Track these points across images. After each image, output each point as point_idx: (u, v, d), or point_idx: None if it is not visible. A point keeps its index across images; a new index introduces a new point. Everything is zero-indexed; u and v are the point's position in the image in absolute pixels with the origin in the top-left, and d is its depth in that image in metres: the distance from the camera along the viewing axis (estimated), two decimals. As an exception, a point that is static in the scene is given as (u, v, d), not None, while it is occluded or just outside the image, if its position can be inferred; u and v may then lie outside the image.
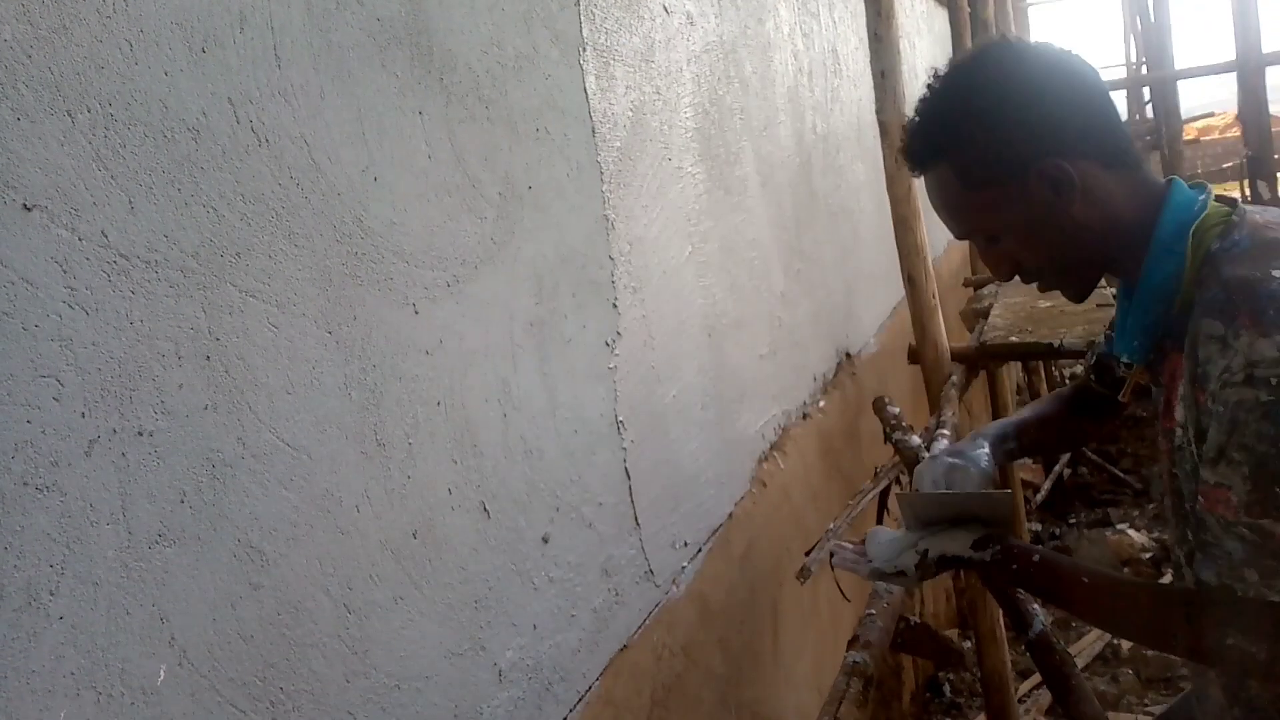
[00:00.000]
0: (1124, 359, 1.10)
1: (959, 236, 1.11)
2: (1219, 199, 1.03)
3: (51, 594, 0.68)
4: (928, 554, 1.22)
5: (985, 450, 1.33)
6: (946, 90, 1.05)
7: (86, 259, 0.72)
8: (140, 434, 0.75)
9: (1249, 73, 3.77)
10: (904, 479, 2.29)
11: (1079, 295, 1.10)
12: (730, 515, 2.04)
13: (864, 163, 3.42)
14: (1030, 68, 1.02)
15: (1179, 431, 0.99)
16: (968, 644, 3.18)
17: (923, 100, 1.06)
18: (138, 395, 0.75)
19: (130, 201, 0.75)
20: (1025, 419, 1.47)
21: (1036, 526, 4.83)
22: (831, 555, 1.38)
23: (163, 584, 0.76)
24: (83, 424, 0.71)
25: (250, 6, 0.88)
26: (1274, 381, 0.86)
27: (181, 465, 0.79)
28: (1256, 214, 1.00)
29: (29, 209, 0.68)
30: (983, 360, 3.09)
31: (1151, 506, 4.77)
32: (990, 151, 1.00)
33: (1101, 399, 1.38)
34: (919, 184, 2.95)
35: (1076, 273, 1.07)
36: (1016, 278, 1.09)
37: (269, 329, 0.88)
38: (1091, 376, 1.39)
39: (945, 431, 2.47)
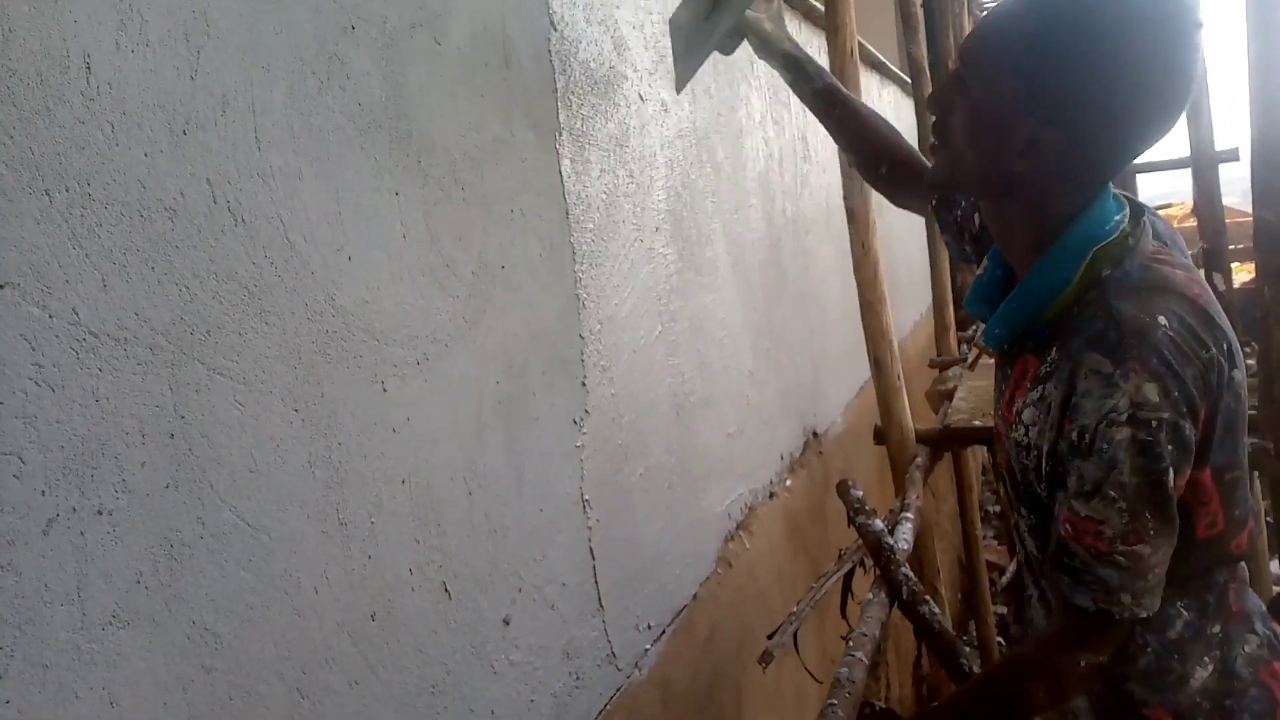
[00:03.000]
0: (985, 341, 1.10)
1: (959, 58, 1.04)
2: (1128, 199, 1.06)
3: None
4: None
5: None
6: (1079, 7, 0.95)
7: (56, 336, 0.72)
8: (100, 513, 0.75)
9: (1202, 169, 3.92)
10: (867, 562, 2.29)
11: (937, 180, 1.10)
12: (695, 596, 2.02)
13: (832, 245, 3.50)
14: (1170, 91, 0.95)
15: (1021, 430, 1.03)
16: (933, 729, 3.14)
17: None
18: (99, 473, 0.75)
19: (103, 279, 0.76)
20: (848, 94, 1.53)
21: (1002, 609, 4.82)
22: None
23: (114, 666, 0.75)
24: (42, 502, 0.70)
25: (233, 90, 0.90)
26: (1154, 424, 0.91)
27: (140, 545, 0.78)
28: (1150, 237, 1.03)
29: (1, 286, 0.68)
30: (947, 443, 3.13)
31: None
32: (1053, 81, 0.94)
33: (913, 186, 1.40)
34: (884, 268, 3.02)
35: (958, 169, 1.05)
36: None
37: (235, 406, 0.88)
38: (933, 202, 1.34)
39: (909, 515, 2.49)
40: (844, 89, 1.52)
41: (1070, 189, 1.01)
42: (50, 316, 0.71)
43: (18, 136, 0.70)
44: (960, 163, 1.04)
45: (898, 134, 1.50)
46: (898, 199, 1.50)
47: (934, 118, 1.07)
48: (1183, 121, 1.70)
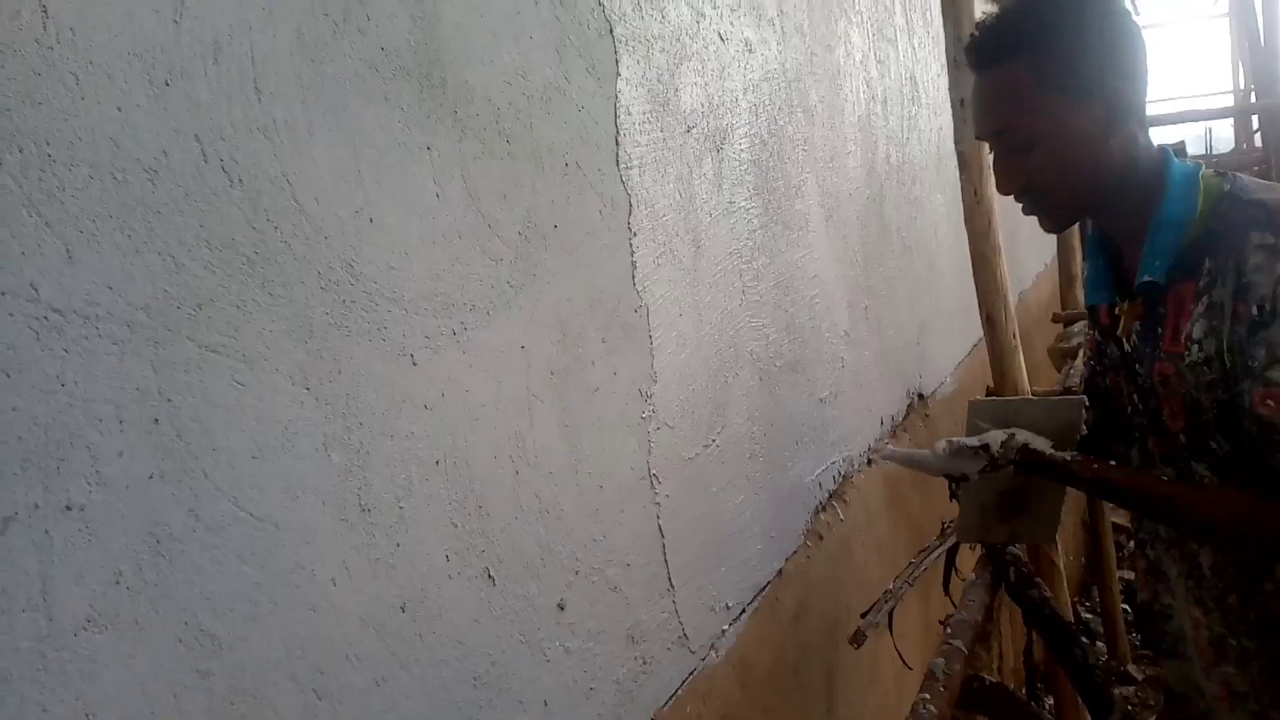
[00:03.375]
0: (1145, 278, 1.12)
1: (988, 134, 1.15)
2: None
3: (-53, 692, 0.61)
4: (1014, 437, 1.29)
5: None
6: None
7: (9, 315, 0.65)
8: (69, 508, 0.68)
9: None
10: (972, 539, 2.12)
11: (1060, 227, 1.18)
12: (780, 572, 1.90)
13: (943, 193, 3.26)
14: (1122, 10, 1.11)
15: (1195, 348, 1.07)
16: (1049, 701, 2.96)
17: (1013, 3, 1.12)
18: (67, 466, 0.68)
19: (67, 250, 0.68)
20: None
21: (1129, 575, 4.54)
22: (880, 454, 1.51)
23: (89, 675, 0.69)
24: (-3, 499, 0.64)
25: (226, 36, 0.81)
26: None
27: (118, 542, 0.71)
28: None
29: (-61, 262, 0.61)
30: (1067, 407, 2.89)
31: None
32: (1077, 60, 1.07)
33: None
34: (999, 216, 2.79)
35: (1074, 206, 1.15)
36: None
37: (233, 387, 0.80)
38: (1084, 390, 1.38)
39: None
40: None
41: (1141, 132, 1.12)
42: (2, 294, 0.64)
43: (-42, 92, 0.62)
44: (1073, 198, 1.13)
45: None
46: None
47: (1013, 196, 1.15)
48: None
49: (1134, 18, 1.12)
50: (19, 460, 0.65)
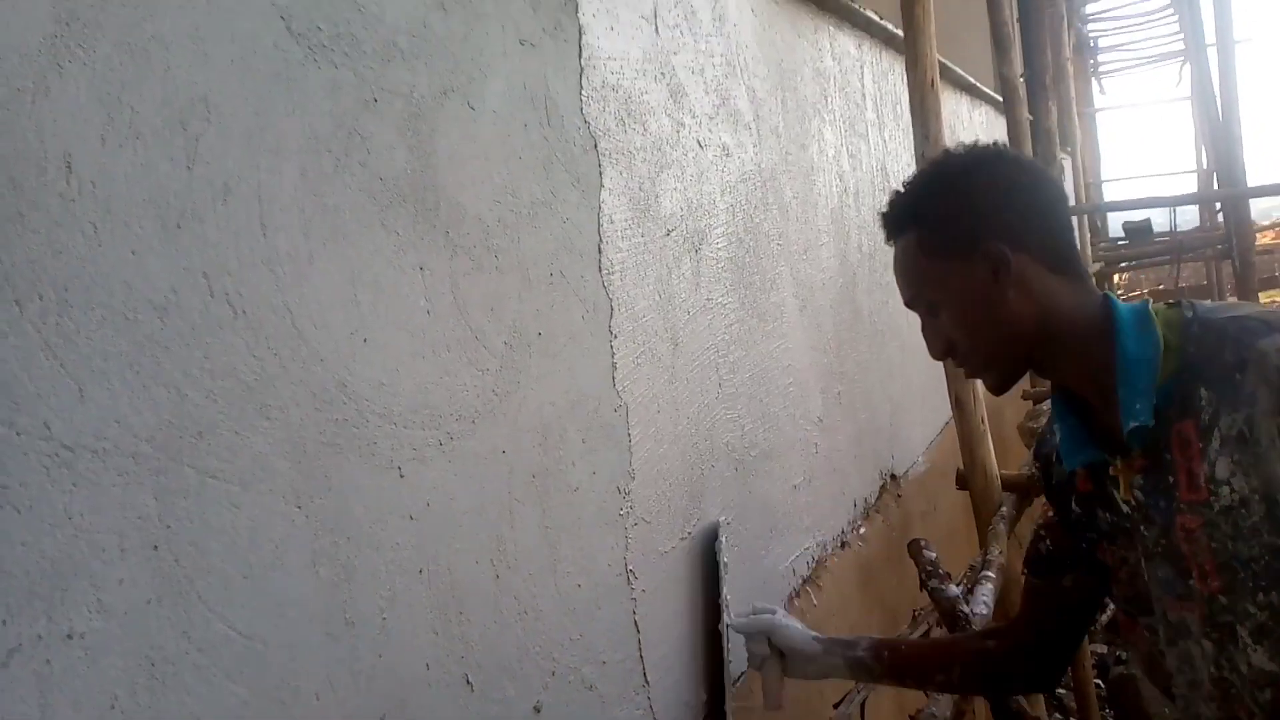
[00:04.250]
0: (1132, 423, 1.03)
1: (906, 303, 1.18)
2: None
3: (-54, 825, 0.63)
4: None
5: (809, 634, 1.47)
6: (928, 170, 1.18)
7: (24, 454, 0.68)
8: (69, 637, 0.71)
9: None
10: (941, 628, 2.15)
11: (999, 386, 1.15)
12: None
13: (914, 278, 3.35)
14: (1004, 166, 1.12)
15: (1223, 491, 0.97)
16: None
17: (910, 180, 1.17)
18: (70, 595, 0.71)
19: (80, 389, 0.72)
20: (901, 637, 1.55)
21: (1101, 649, 4.57)
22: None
23: (81, 801, 0.71)
24: (3, 633, 0.67)
25: (236, 177, 0.86)
26: None
27: (116, 667, 0.74)
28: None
29: (-39, 408, 0.65)
30: (1035, 490, 2.95)
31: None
32: (948, 223, 1.10)
33: (1046, 624, 1.29)
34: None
35: (1001, 362, 1.13)
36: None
37: (229, 510, 0.83)
38: (1026, 570, 1.31)
39: (990, 574, 2.34)
40: (867, 641, 1.46)
41: (1055, 280, 1.08)
42: (17, 434, 0.68)
43: (-13, 247, 0.67)
44: (993, 355, 1.11)
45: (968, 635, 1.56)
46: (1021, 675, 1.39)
47: (944, 360, 1.17)
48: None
49: (1032, 174, 1.13)
50: (25, 592, 0.68)
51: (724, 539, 1.73)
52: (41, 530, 0.69)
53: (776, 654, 1.46)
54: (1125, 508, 1.08)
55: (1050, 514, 1.25)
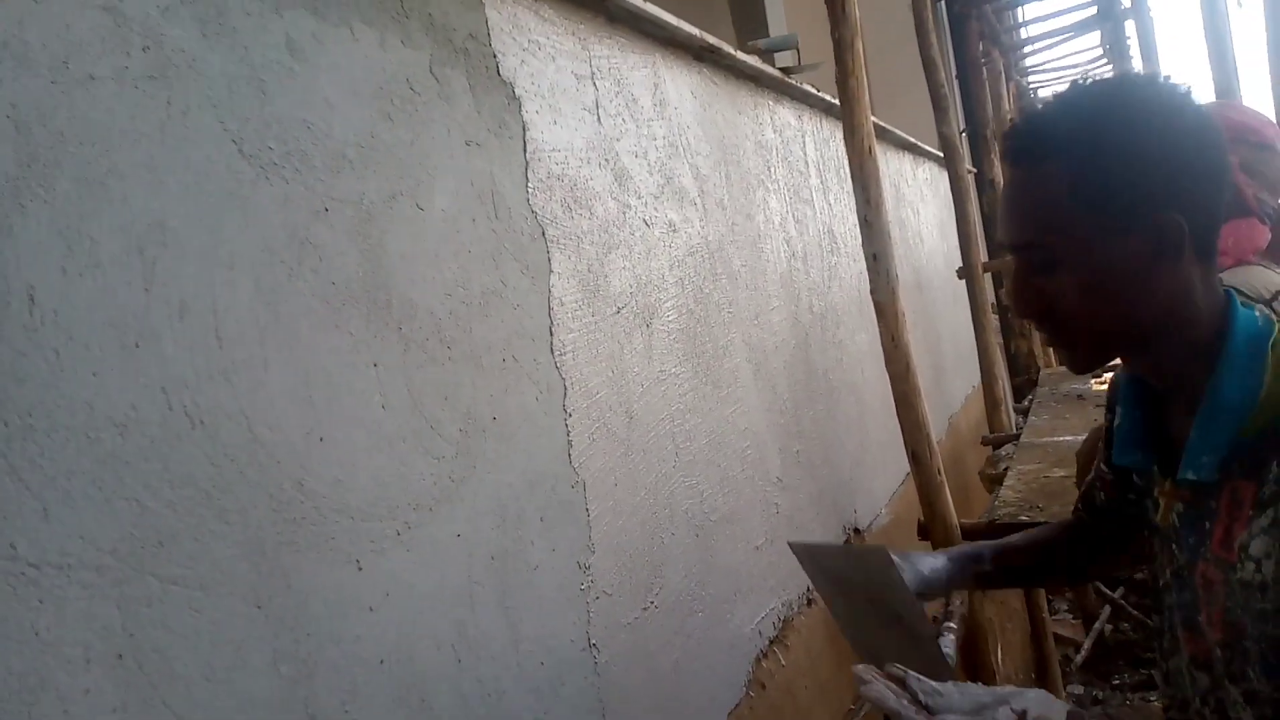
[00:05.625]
0: (1189, 475, 0.95)
1: (1012, 245, 0.98)
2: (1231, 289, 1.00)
3: None
4: (1027, 714, 0.95)
5: (937, 560, 1.26)
6: (1103, 97, 0.94)
7: (-10, 576, 0.71)
8: (36, 751, 0.73)
9: None
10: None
11: (1086, 366, 1.02)
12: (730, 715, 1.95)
13: (866, 333, 3.44)
14: (1193, 116, 0.92)
15: (1250, 567, 0.90)
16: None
17: (1065, 95, 0.96)
18: (37, 709, 0.74)
19: (45, 509, 0.76)
20: (1009, 541, 1.35)
21: (1078, 689, 4.59)
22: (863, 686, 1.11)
23: None
24: (-30, 751, 0.69)
25: (193, 294, 0.91)
26: None
27: (81, 777, 0.76)
28: None
29: (-70, 536, 0.68)
30: (994, 538, 3.01)
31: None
32: (1122, 176, 0.90)
33: (1100, 536, 1.28)
34: (916, 361, 2.96)
35: (1101, 345, 0.99)
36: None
37: (190, 614, 0.86)
38: (1079, 505, 1.29)
39: (952, 625, 2.38)
40: (987, 552, 1.32)
41: (1197, 268, 0.94)
42: (-16, 558, 0.71)
43: (-46, 381, 0.71)
44: (1099, 336, 0.97)
45: (1053, 528, 1.37)
46: (1105, 570, 1.41)
47: (1034, 317, 0.99)
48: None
49: (1219, 132, 0.93)
50: (-8, 711, 0.71)
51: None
52: (9, 648, 0.72)
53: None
54: (1155, 516, 1.05)
55: (1105, 469, 1.21)
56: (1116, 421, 1.08)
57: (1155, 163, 0.90)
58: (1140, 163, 0.90)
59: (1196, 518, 0.97)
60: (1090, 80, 0.96)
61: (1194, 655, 0.99)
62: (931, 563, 1.26)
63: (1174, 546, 1.01)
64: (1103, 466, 1.23)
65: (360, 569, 1.07)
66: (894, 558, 1.19)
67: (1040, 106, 0.99)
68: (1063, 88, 0.98)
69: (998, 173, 5.65)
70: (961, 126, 4.83)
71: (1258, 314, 0.96)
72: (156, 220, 0.88)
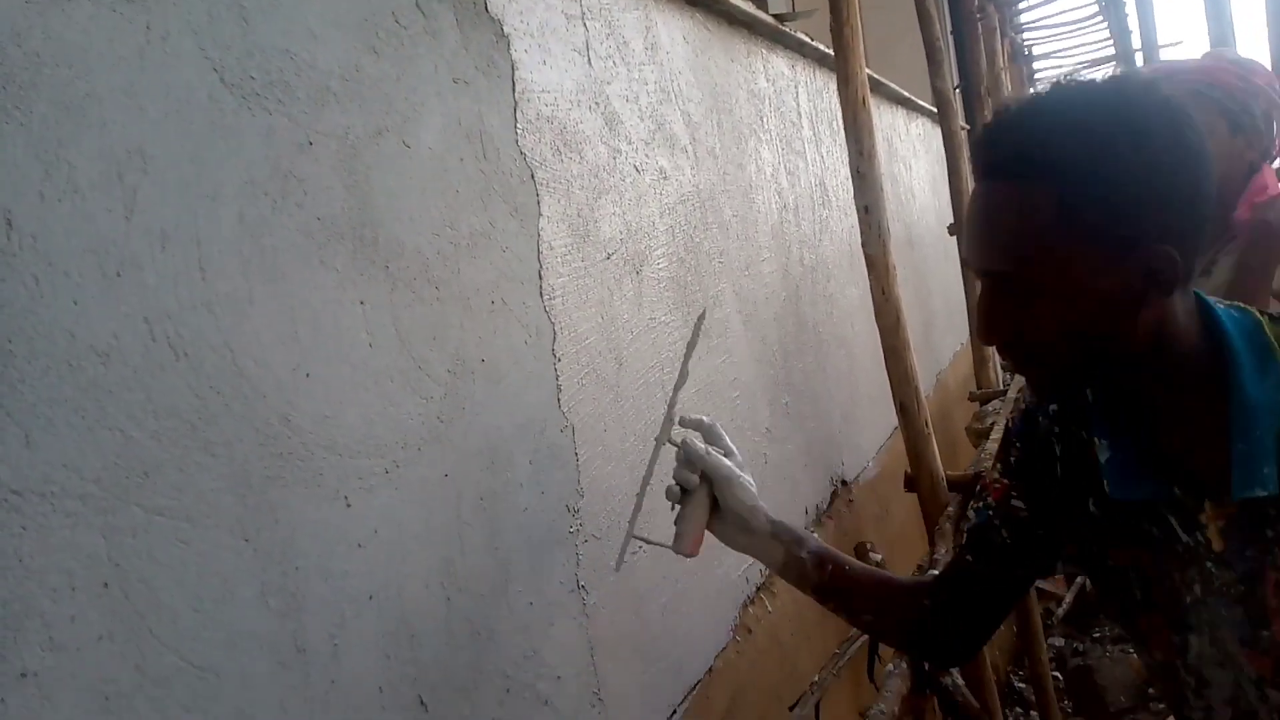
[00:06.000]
0: (1255, 492, 0.88)
1: (984, 269, 0.90)
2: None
3: None
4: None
5: (764, 511, 1.27)
6: (1099, 111, 0.84)
7: (-28, 502, 0.71)
8: (23, 676, 0.73)
9: None
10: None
11: (1047, 393, 0.99)
12: (710, 670, 1.97)
13: (857, 287, 3.43)
14: (1190, 135, 0.84)
15: None
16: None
17: (1054, 103, 0.86)
18: (22, 635, 0.73)
19: (26, 436, 0.75)
20: (842, 556, 1.29)
21: (1059, 641, 4.68)
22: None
23: (38, 835, 0.73)
24: (-44, 675, 0.69)
25: (174, 224, 0.89)
26: None
27: (69, 702, 0.76)
28: None
29: (-90, 460, 0.67)
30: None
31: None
32: (1119, 205, 0.82)
33: (974, 595, 1.17)
34: (907, 313, 2.96)
35: (1069, 372, 0.93)
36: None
37: (177, 546, 0.86)
38: (968, 555, 1.17)
39: (935, 572, 2.41)
40: (815, 544, 1.30)
41: (1178, 296, 0.87)
42: (-34, 483, 0.70)
43: (-69, 304, 0.69)
44: (1069, 364, 0.91)
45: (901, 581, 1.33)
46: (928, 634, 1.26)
47: (1000, 342, 0.93)
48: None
49: (1210, 155, 0.86)
50: (-22, 636, 0.70)
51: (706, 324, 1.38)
52: (-8, 574, 0.72)
53: (707, 497, 1.28)
54: (1186, 537, 0.95)
55: (1015, 503, 1.11)
56: (1105, 456, 0.98)
57: (1155, 192, 0.83)
58: (1139, 191, 0.82)
59: (1251, 528, 0.91)
60: (1077, 83, 0.87)
61: (1265, 673, 0.93)
62: (757, 505, 1.28)
63: (1209, 565, 0.95)
64: (1016, 502, 1.11)
65: (349, 505, 1.07)
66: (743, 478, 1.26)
67: (1021, 111, 0.88)
68: (1045, 88, 0.89)
69: (991, 129, 5.59)
70: (955, 82, 4.78)
71: (1222, 307, 0.92)
72: (136, 147, 0.86)
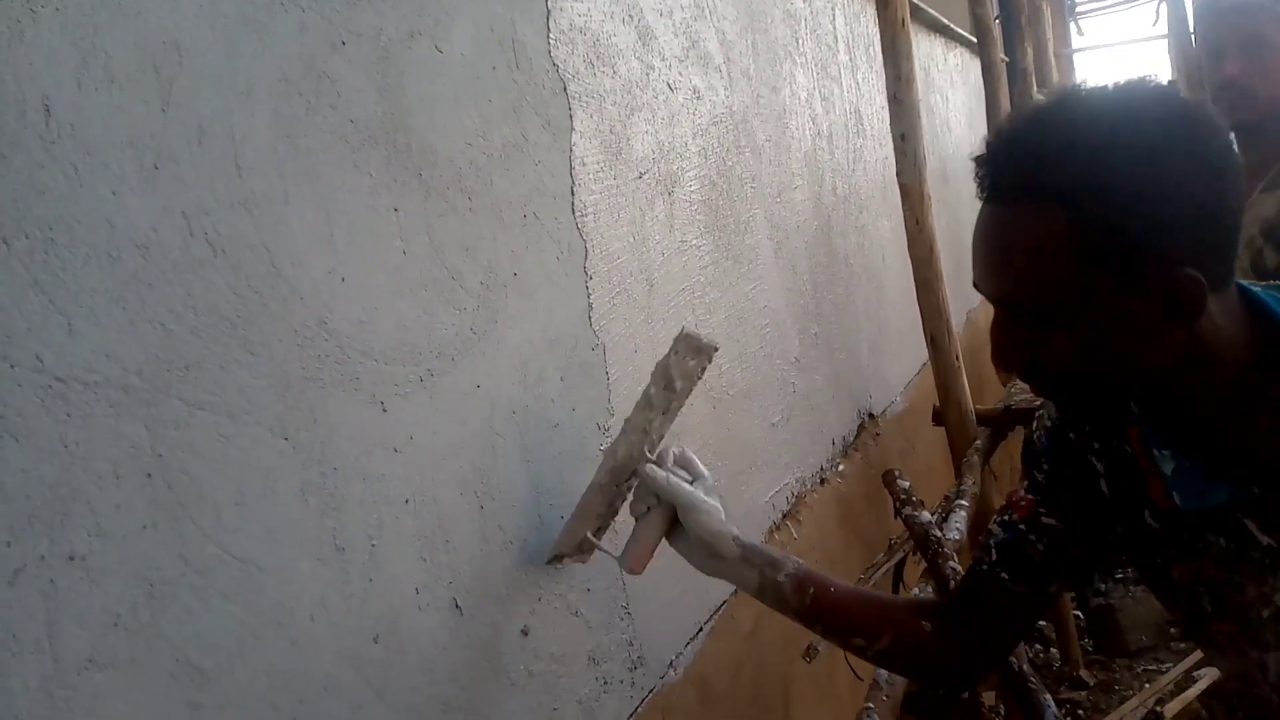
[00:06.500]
0: None
1: (998, 298, 0.85)
2: None
3: (-34, 730, 0.67)
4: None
5: (733, 536, 1.21)
6: (1114, 125, 0.78)
7: (18, 385, 0.72)
8: (71, 558, 0.75)
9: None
10: (917, 555, 2.22)
11: (1076, 413, 0.96)
12: (736, 591, 1.99)
13: (889, 219, 3.38)
14: (1217, 156, 0.78)
15: None
16: None
17: (1064, 116, 0.80)
18: (70, 519, 0.75)
19: (69, 324, 0.75)
20: (823, 575, 1.22)
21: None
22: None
23: (91, 710, 0.75)
24: (8, 554, 0.70)
25: (210, 119, 0.88)
26: None
27: (116, 587, 0.78)
28: None
29: (-43, 341, 0.68)
30: (1010, 424, 3.02)
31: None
32: (1140, 230, 0.76)
33: (995, 613, 1.09)
34: (940, 243, 2.92)
35: (1091, 397, 0.89)
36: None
37: (218, 440, 0.87)
38: (1000, 572, 1.08)
39: (963, 503, 2.41)
40: (794, 567, 1.23)
41: (1214, 302, 0.80)
42: (11, 366, 0.71)
43: (-28, 187, 0.69)
44: (1091, 391, 0.86)
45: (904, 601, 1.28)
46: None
47: (1018, 369, 0.89)
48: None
49: (1240, 167, 0.80)
50: (27, 516, 0.72)
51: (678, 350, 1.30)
52: (39, 457, 0.73)
53: (663, 520, 1.24)
54: (1266, 538, 0.88)
55: (1046, 520, 1.05)
56: (1170, 468, 0.91)
57: (1177, 214, 0.76)
58: (1160, 214, 0.76)
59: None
60: (1084, 94, 0.82)
61: None
62: (724, 529, 1.21)
63: None
64: (1047, 520, 1.05)
65: (385, 410, 1.07)
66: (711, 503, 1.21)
67: (1026, 127, 0.83)
68: (1050, 99, 0.83)
69: (1030, 61, 5.44)
70: (995, 13, 4.64)
71: (1268, 292, 0.86)
72: (172, 39, 0.85)
